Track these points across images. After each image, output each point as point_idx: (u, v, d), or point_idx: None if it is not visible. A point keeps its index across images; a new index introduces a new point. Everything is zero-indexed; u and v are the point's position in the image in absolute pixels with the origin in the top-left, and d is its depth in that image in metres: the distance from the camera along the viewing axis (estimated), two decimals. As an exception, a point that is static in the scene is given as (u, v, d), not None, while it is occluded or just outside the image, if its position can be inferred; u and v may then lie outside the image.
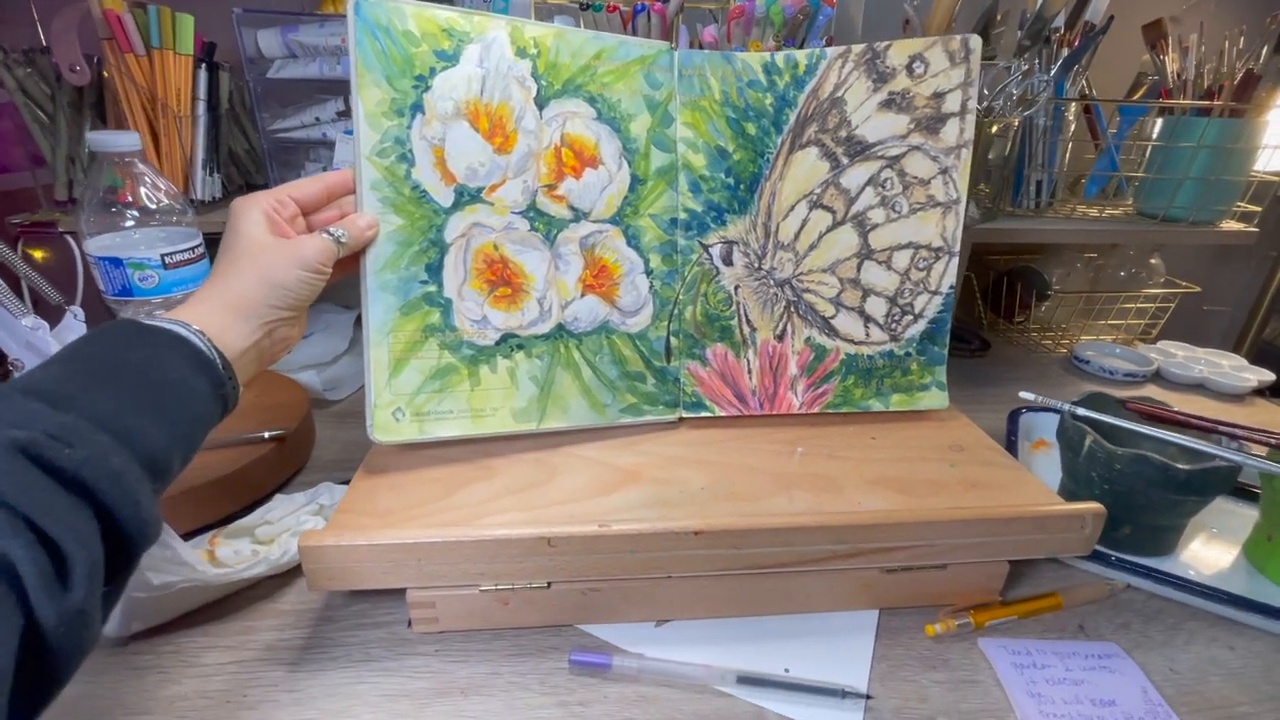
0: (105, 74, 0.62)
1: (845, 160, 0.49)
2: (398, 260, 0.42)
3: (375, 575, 0.35)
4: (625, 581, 0.39)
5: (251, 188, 0.79)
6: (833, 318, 0.50)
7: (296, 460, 0.55)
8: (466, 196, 0.43)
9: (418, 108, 0.41)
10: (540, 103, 0.44)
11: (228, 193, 0.73)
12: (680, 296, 0.49)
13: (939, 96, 0.47)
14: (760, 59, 0.48)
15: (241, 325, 0.34)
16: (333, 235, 0.38)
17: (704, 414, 0.50)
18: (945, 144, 0.47)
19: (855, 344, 0.50)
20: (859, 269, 0.50)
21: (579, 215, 0.46)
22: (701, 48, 0.61)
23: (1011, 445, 0.57)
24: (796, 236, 0.49)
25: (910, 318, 0.51)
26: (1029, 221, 0.72)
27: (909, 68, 0.47)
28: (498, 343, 0.44)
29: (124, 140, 0.46)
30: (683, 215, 0.48)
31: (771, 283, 0.50)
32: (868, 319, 0.50)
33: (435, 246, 0.42)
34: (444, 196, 0.42)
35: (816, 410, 0.50)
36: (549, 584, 0.38)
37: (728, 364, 0.50)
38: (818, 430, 0.49)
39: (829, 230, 0.49)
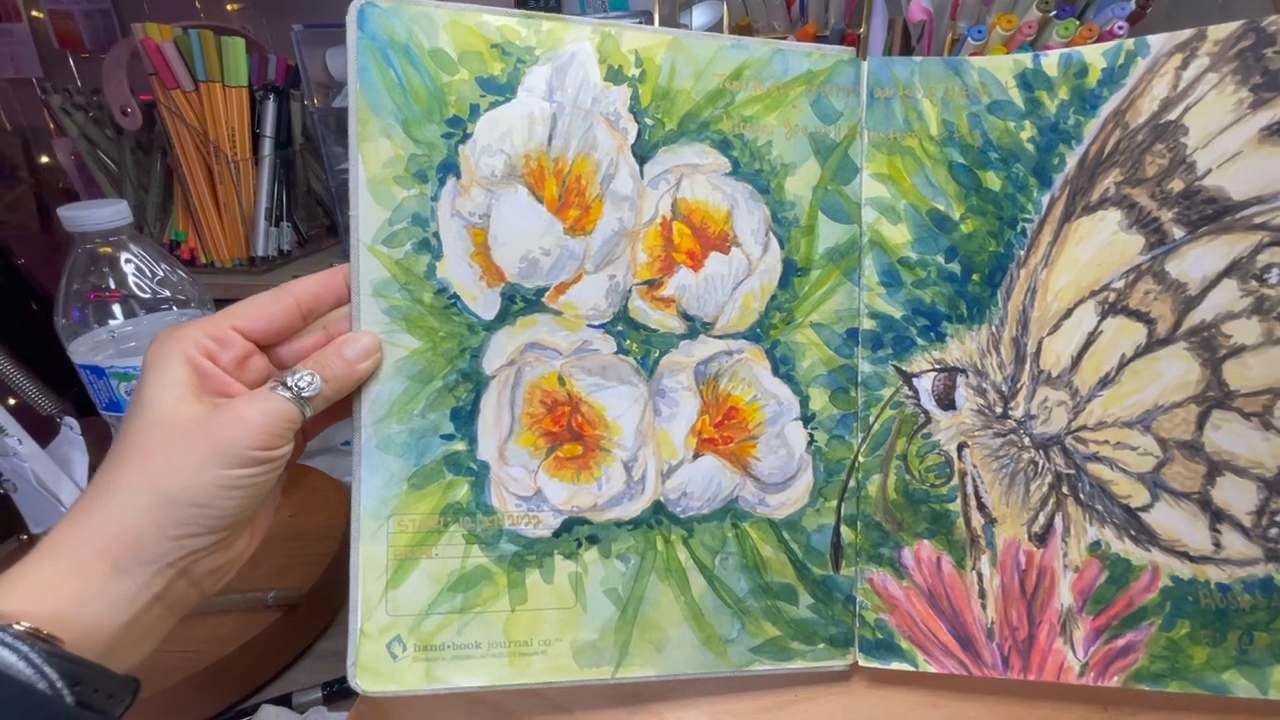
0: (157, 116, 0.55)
1: (1179, 232, 0.27)
2: (409, 404, 0.27)
3: None
4: None
5: (334, 230, 0.70)
6: (1147, 509, 0.28)
7: (320, 619, 0.41)
8: (520, 302, 0.27)
9: (449, 168, 0.26)
10: (643, 153, 0.28)
11: (304, 240, 0.65)
12: (862, 459, 0.29)
13: None
14: (1013, 65, 0.28)
15: (122, 582, 0.20)
16: (292, 388, 0.23)
17: (897, 665, 0.29)
18: None
19: (1192, 561, 0.28)
20: (1201, 424, 0.28)
21: (696, 328, 0.28)
22: (907, 31, 0.42)
23: None
24: (1076, 363, 0.28)
25: (1310, 520, 0.27)
26: None
27: (1347, 59, 0.25)
28: (558, 533, 0.28)
29: (104, 215, 0.36)
30: (869, 325, 0.29)
31: (1027, 442, 0.29)
32: (1218, 516, 0.28)
33: (468, 381, 0.27)
34: (485, 303, 0.27)
35: (1114, 683, 0.28)
36: None
37: (942, 578, 0.29)
38: (1124, 727, 0.26)
39: (1140, 354, 0.28)
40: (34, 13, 1.03)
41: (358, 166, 0.26)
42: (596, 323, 0.28)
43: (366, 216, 0.26)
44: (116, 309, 0.40)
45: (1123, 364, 0.28)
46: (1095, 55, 0.28)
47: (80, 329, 0.39)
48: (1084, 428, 0.29)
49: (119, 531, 0.20)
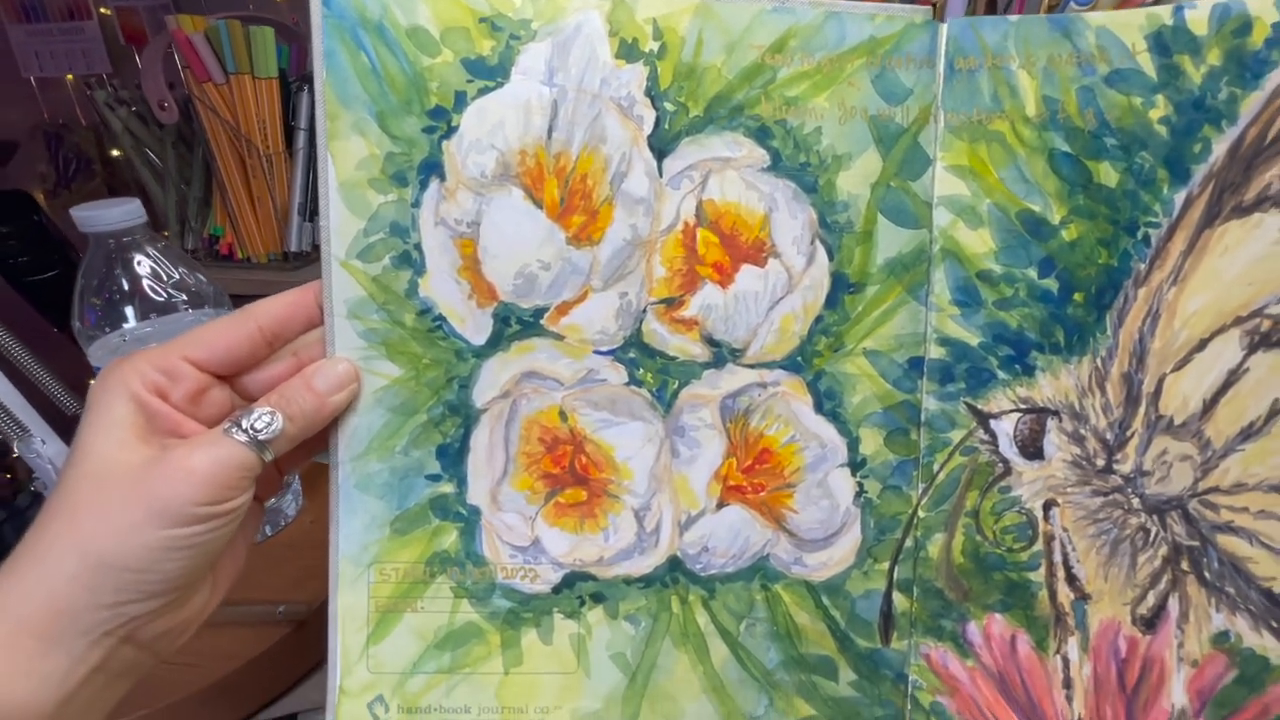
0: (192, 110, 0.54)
1: (1370, 243, 0.21)
2: (391, 439, 0.23)
3: None
4: None
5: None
6: (1295, 598, 0.22)
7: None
8: (515, 324, 0.23)
9: (432, 168, 0.22)
10: (662, 146, 0.23)
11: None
12: (922, 515, 0.24)
13: None
14: (1145, 22, 0.22)
15: (52, 658, 0.18)
16: (247, 429, 0.20)
17: (958, 759, 0.25)
18: None
19: (1356, 667, 0.22)
20: (1381, 495, 0.21)
21: (723, 355, 0.24)
22: None
23: None
24: (1209, 408, 0.22)
25: None
26: None
27: None
28: (558, 589, 0.24)
29: (115, 214, 0.34)
30: (937, 353, 0.24)
31: (1136, 503, 0.23)
32: (1397, 613, 0.21)
33: (456, 415, 0.24)
34: (475, 326, 0.23)
35: (1241, 810, 0.23)
36: None
37: (1017, 660, 0.24)
38: None
39: (1300, 400, 0.22)
40: (101, 10, 1.05)
41: (327, 169, 0.22)
42: (604, 348, 0.24)
43: (339, 227, 0.22)
44: (130, 311, 0.39)
45: (1274, 412, 0.22)
46: (1264, 6, 0.21)
47: (96, 333, 0.38)
48: (1215, 489, 0.23)
49: (46, 601, 0.18)
